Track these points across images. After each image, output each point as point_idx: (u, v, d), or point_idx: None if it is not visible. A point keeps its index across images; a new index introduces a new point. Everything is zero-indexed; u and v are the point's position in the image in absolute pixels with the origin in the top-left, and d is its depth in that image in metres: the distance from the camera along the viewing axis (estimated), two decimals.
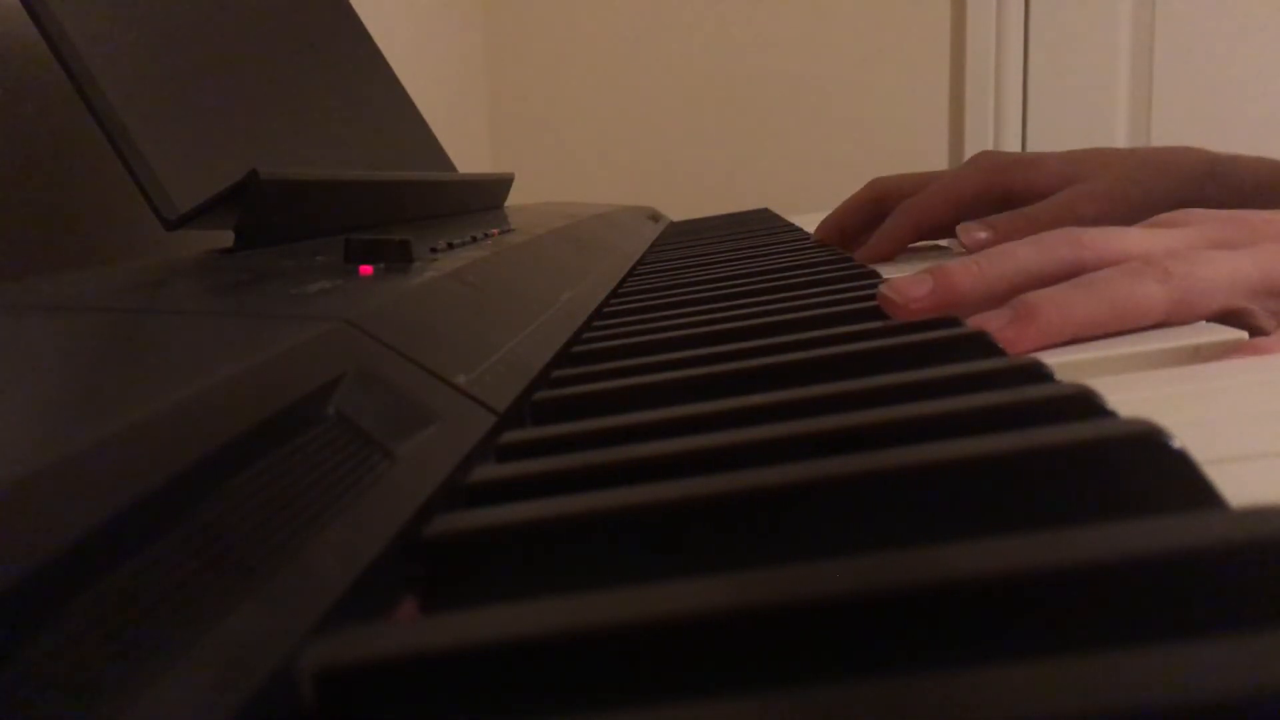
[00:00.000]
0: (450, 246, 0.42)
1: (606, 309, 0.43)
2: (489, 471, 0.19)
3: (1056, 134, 1.67)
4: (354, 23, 0.72)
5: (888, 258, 0.58)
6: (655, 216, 1.05)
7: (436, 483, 0.18)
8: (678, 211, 1.25)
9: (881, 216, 0.61)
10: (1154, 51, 1.63)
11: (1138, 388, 0.25)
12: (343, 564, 0.14)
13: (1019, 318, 0.30)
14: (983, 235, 0.33)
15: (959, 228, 0.33)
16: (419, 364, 0.24)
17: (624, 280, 0.54)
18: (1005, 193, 0.56)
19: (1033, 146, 1.68)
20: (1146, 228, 0.36)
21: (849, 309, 0.34)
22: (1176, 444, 0.15)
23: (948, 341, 0.26)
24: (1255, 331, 0.30)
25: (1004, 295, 0.32)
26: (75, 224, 0.55)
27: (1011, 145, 1.68)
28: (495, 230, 0.51)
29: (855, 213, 0.62)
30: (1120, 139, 1.66)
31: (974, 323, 0.30)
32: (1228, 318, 0.31)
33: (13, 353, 0.20)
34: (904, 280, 0.34)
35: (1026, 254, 0.34)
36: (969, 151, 1.67)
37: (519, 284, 0.39)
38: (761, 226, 0.81)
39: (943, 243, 0.62)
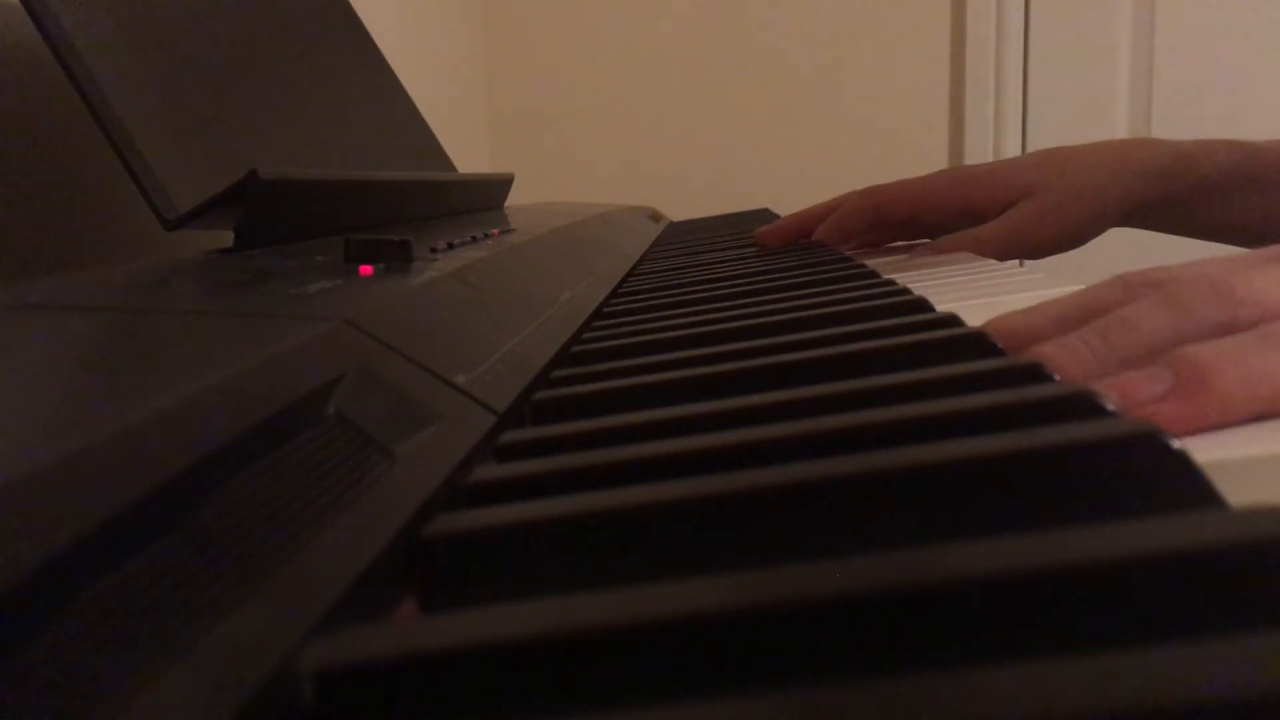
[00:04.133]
0: (450, 246, 0.42)
1: (606, 309, 0.43)
2: (489, 471, 0.19)
3: (1056, 134, 1.67)
4: (354, 23, 0.72)
5: (847, 239, 0.62)
6: (655, 216, 1.05)
7: (436, 483, 0.18)
8: (678, 211, 1.25)
9: (882, 221, 0.62)
10: (1154, 51, 1.63)
11: None
12: (343, 564, 0.14)
13: (1185, 385, 0.22)
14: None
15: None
16: (419, 364, 0.24)
17: (624, 280, 0.54)
18: (966, 204, 0.57)
19: (1033, 146, 1.68)
20: None
21: (849, 309, 0.34)
22: (1176, 444, 0.15)
23: (948, 341, 0.26)
24: None
25: None
26: (75, 224, 0.55)
27: (1012, 145, 1.68)
28: (495, 230, 0.51)
29: (856, 219, 0.62)
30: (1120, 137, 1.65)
31: (1112, 388, 0.22)
32: None
33: (13, 353, 0.20)
34: None
35: (1159, 321, 0.25)
36: (969, 151, 1.67)
37: (519, 284, 0.39)
38: (762, 226, 0.81)
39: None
